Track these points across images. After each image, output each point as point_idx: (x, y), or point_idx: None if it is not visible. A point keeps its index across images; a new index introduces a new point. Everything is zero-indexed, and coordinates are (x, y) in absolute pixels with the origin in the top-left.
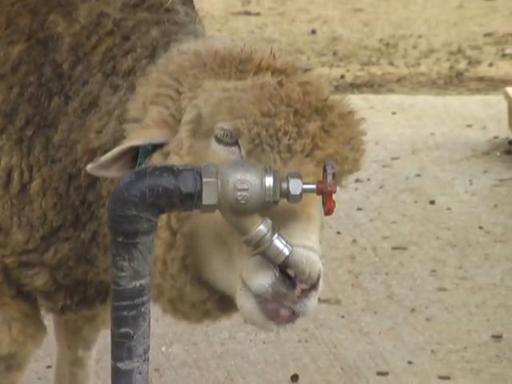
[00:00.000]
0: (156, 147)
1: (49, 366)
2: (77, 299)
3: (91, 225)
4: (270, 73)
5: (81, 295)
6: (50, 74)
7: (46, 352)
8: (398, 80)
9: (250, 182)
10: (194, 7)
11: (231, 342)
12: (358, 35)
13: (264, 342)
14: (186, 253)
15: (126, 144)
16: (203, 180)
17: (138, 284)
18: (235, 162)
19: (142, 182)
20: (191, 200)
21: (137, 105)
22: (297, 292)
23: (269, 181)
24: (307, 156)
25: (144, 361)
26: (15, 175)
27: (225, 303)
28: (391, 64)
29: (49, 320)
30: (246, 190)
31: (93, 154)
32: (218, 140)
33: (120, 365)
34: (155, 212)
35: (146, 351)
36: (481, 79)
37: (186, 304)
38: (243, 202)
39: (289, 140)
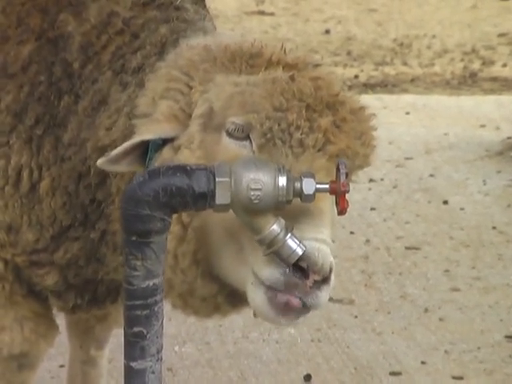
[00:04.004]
0: (166, 141)
1: (62, 366)
2: (87, 298)
3: (100, 224)
4: (281, 67)
5: (91, 294)
6: (61, 73)
7: (58, 351)
8: (412, 80)
9: (263, 181)
10: (205, 6)
11: (244, 341)
12: (372, 35)
13: (277, 342)
14: (196, 247)
15: (137, 138)
16: (216, 180)
17: (151, 283)
18: (248, 161)
19: (155, 182)
20: (204, 199)
21: (146, 100)
22: (309, 282)
23: (282, 180)
24: (319, 151)
25: (157, 360)
26: (25, 174)
27: (235, 298)
28: (405, 64)
29: (61, 319)
30: (260, 189)
31: (103, 152)
32: (229, 134)
33: (133, 364)
34: (168, 211)
35: (159, 351)
36: (494, 79)
37: (196, 299)
38: (256, 201)
39: (301, 134)
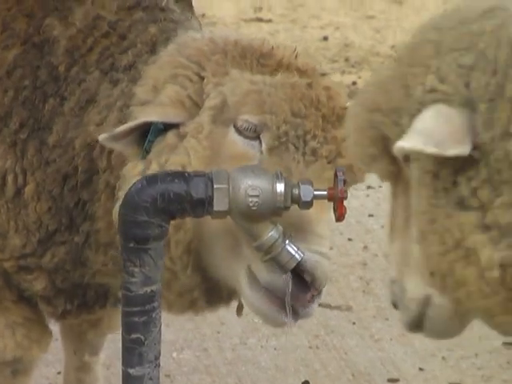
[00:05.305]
0: (168, 127)
1: (59, 372)
2: (77, 303)
3: (85, 226)
4: (294, 72)
5: (81, 299)
6: (46, 77)
7: (56, 358)
8: None
9: (261, 187)
10: (191, 8)
11: (242, 348)
12: (369, 42)
13: (275, 349)
14: (192, 237)
15: (142, 119)
16: (214, 186)
17: (148, 290)
18: (246, 168)
19: (153, 188)
20: (202, 206)
21: (146, 88)
22: (308, 296)
23: (280, 187)
24: (329, 162)
25: (155, 367)
26: (9, 179)
27: (213, 295)
28: None
29: (57, 325)
30: (257, 196)
31: (91, 148)
32: (239, 131)
33: (131, 371)
34: (166, 218)
35: (156, 357)
36: None
37: (173, 293)
38: (254, 207)
39: (316, 144)
